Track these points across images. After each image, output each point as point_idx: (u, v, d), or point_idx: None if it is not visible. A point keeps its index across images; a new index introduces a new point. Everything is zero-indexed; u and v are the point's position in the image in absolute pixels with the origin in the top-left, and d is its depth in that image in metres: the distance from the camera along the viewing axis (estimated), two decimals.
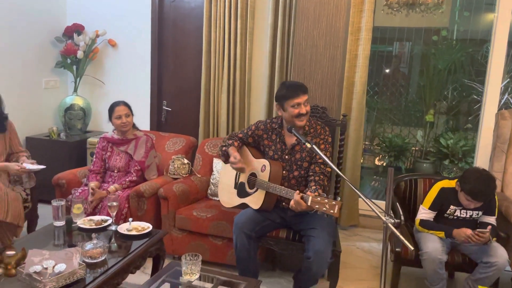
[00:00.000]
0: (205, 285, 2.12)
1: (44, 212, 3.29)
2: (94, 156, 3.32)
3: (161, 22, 4.29)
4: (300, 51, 3.37)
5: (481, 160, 3.58)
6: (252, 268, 2.65)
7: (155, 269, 2.64)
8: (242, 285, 2.14)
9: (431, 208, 2.68)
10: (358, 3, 3.54)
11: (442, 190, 2.67)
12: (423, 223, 2.68)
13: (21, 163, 3.04)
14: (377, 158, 5.90)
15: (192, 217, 3.04)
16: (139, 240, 2.46)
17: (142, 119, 4.26)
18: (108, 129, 3.50)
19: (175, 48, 4.31)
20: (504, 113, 3.19)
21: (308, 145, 2.32)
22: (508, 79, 4.89)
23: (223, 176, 2.97)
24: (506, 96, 4.87)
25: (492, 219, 2.62)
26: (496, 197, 2.65)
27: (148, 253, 2.48)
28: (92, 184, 3.12)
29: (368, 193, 5.29)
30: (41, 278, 1.88)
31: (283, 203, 2.67)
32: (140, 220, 2.71)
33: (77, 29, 4.35)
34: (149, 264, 2.64)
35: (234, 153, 2.68)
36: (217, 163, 3.41)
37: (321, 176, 2.57)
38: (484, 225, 2.56)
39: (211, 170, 3.49)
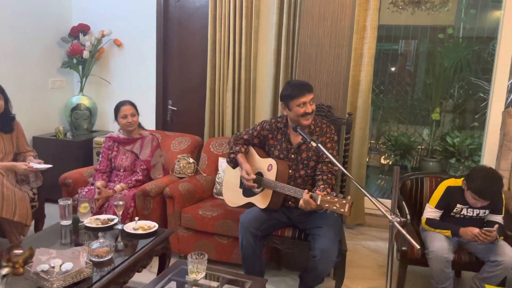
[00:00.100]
0: (211, 284, 2.12)
1: (51, 211, 3.31)
2: (100, 156, 3.34)
3: (166, 21, 4.30)
4: (305, 49, 3.37)
5: (488, 158, 3.56)
6: (257, 267, 2.66)
7: (161, 268, 2.65)
8: (248, 283, 2.14)
9: (438, 206, 2.67)
10: (363, 1, 3.52)
11: (449, 189, 2.66)
12: (430, 222, 2.66)
13: (28, 163, 3.06)
14: (383, 156, 5.87)
15: (198, 216, 3.05)
16: (145, 239, 2.47)
17: (148, 119, 4.28)
18: (114, 128, 3.51)
19: (180, 47, 4.32)
20: (511, 111, 3.17)
21: (314, 144, 2.32)
22: None
23: (228, 175, 2.98)
24: None
25: (499, 218, 2.60)
26: (503, 195, 2.63)
27: (154, 252, 2.49)
28: (98, 183, 3.13)
29: (374, 192, 5.27)
30: (49, 276, 1.89)
31: (290, 202, 2.67)
32: (146, 219, 2.72)
33: (83, 29, 4.37)
34: (155, 263, 2.65)
35: (245, 166, 2.67)
36: (223, 162, 3.41)
37: (329, 175, 2.56)
38: (491, 223, 2.54)
39: (217, 169, 3.49)
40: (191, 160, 3.54)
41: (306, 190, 2.36)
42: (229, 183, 2.96)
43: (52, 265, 1.93)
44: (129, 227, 2.55)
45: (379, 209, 1.87)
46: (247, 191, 2.76)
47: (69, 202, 2.60)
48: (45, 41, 4.28)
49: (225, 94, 3.99)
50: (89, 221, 2.60)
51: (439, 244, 2.52)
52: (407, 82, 5.77)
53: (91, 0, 4.46)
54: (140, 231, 2.52)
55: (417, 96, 5.84)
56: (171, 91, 4.43)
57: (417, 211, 2.99)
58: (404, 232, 1.75)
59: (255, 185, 2.64)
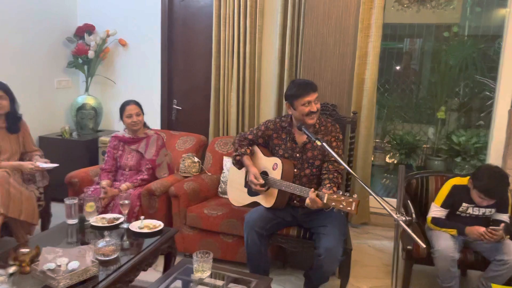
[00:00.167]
0: (216, 283, 2.13)
1: (57, 210, 3.33)
2: (106, 155, 3.35)
3: (170, 21, 4.31)
4: (309, 48, 3.36)
5: (494, 157, 3.54)
6: (262, 266, 2.66)
7: (166, 267, 2.66)
8: (253, 282, 2.14)
9: (443, 205, 2.66)
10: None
11: (454, 188, 2.65)
12: (435, 220, 2.66)
13: (35, 162, 3.08)
14: (388, 155, 5.86)
15: (203, 215, 3.06)
16: (151, 238, 2.48)
17: (153, 118, 4.29)
18: (120, 128, 3.53)
19: (185, 47, 4.33)
20: None
21: (319, 143, 2.32)
22: None
23: (233, 175, 2.98)
24: None
25: (505, 217, 2.59)
26: (509, 194, 2.62)
27: (160, 251, 2.50)
28: (104, 182, 3.15)
29: (378, 191, 5.26)
30: (55, 275, 1.90)
31: (295, 201, 2.67)
32: (151, 218, 2.73)
33: (88, 29, 4.39)
34: (160, 261, 2.66)
35: (253, 170, 2.67)
36: (227, 161, 3.42)
37: (335, 174, 2.56)
38: (497, 222, 2.54)
39: (221, 168, 3.50)
40: (196, 159, 3.54)
41: (312, 189, 2.36)
42: (234, 182, 2.96)
43: (58, 263, 1.94)
44: (135, 226, 2.56)
45: (384, 208, 1.86)
46: (252, 189, 2.76)
47: (75, 201, 2.61)
48: (50, 41, 4.31)
49: (229, 93, 4.00)
50: (95, 220, 2.61)
51: (445, 243, 2.52)
52: (412, 80, 5.74)
53: (96, 0, 4.47)
54: (145, 230, 2.53)
55: (422, 94, 5.82)
56: (176, 91, 4.44)
57: (422, 210, 2.98)
58: (409, 231, 1.75)
59: (263, 189, 2.64)
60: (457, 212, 2.65)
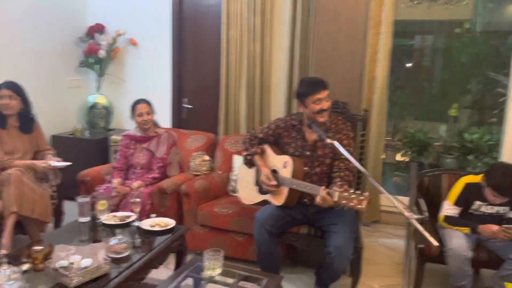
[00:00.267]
0: (227, 281, 2.13)
1: (70, 208, 3.36)
2: (118, 154, 3.38)
3: (180, 20, 4.32)
4: (319, 46, 3.35)
5: (507, 154, 3.49)
6: (273, 264, 2.66)
7: (177, 265, 2.67)
8: (264, 280, 2.15)
9: (456, 203, 2.63)
10: None
11: (467, 186, 2.62)
12: (448, 219, 2.63)
13: (47, 161, 3.11)
14: (399, 153, 5.81)
15: (213, 213, 3.06)
16: (162, 236, 2.49)
17: (163, 117, 4.30)
18: (131, 126, 3.55)
19: (194, 45, 4.34)
20: None
21: (329, 141, 2.31)
22: None
23: (243, 173, 2.98)
24: None
25: None
26: None
27: (171, 249, 2.51)
28: (115, 181, 3.17)
29: (390, 189, 5.22)
30: (68, 272, 1.92)
31: (305, 199, 2.66)
32: (162, 216, 2.74)
33: (99, 29, 4.42)
34: (171, 259, 2.67)
35: (265, 170, 2.67)
36: (238, 160, 3.42)
37: (346, 172, 2.55)
38: (511, 220, 2.50)
39: (232, 167, 3.50)
40: (207, 157, 3.55)
41: (323, 187, 2.35)
42: (244, 181, 2.96)
43: (71, 261, 1.96)
44: (146, 224, 2.58)
45: (396, 206, 1.85)
46: (262, 188, 2.76)
47: (87, 199, 2.63)
48: (62, 41, 4.35)
49: (239, 92, 4.00)
50: (107, 218, 2.62)
51: (458, 241, 2.49)
52: (424, 77, 5.69)
53: (106, 0, 4.50)
54: (156, 228, 2.55)
55: (434, 91, 5.76)
56: (186, 89, 4.45)
57: (434, 208, 2.94)
58: (421, 229, 1.73)
59: (275, 189, 2.64)
60: (470, 210, 2.62)
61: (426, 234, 1.73)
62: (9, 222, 2.75)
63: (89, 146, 4.21)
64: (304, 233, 2.72)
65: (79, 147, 4.19)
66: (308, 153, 2.65)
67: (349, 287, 2.74)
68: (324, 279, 2.64)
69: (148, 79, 4.49)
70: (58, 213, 3.33)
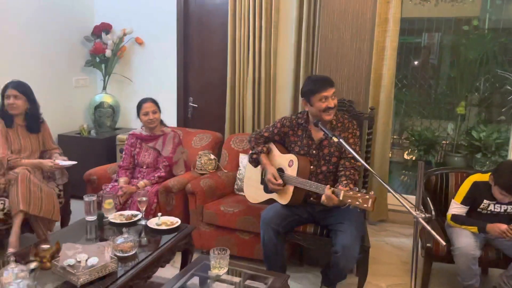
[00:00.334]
0: (233, 279, 2.13)
1: (76, 207, 3.38)
2: (124, 153, 3.39)
3: (186, 19, 4.32)
4: (325, 44, 3.33)
5: None
6: (279, 263, 2.65)
7: (184, 263, 2.68)
8: (270, 279, 2.14)
9: (464, 202, 2.61)
10: None
11: (475, 184, 2.60)
12: (455, 218, 2.61)
13: (54, 160, 3.13)
14: (406, 152, 5.78)
15: (219, 212, 3.07)
16: (168, 235, 2.50)
17: (169, 116, 4.31)
18: (137, 126, 3.56)
19: (200, 45, 4.34)
20: None
21: (335, 139, 2.30)
22: None
23: (249, 172, 2.98)
24: None
25: None
26: None
27: (177, 247, 2.51)
28: (122, 180, 3.18)
29: (397, 187, 5.20)
30: (75, 271, 1.93)
31: (311, 198, 2.65)
32: (169, 215, 2.75)
33: (105, 28, 4.43)
34: (178, 258, 2.68)
35: (271, 169, 2.66)
36: (243, 159, 3.42)
37: (352, 171, 2.53)
38: None
39: (237, 166, 3.50)
40: (212, 156, 3.55)
41: (328, 186, 2.34)
42: (250, 180, 2.96)
43: (78, 259, 1.97)
44: (152, 222, 2.58)
45: (403, 205, 1.83)
46: (268, 187, 2.75)
47: (94, 198, 2.65)
48: (69, 40, 4.37)
49: (245, 91, 3.99)
50: (114, 217, 2.64)
51: (466, 240, 2.47)
52: (431, 75, 5.64)
53: None
54: (163, 227, 2.55)
55: (441, 90, 5.71)
56: (192, 88, 4.45)
57: (442, 207, 2.93)
58: (429, 228, 1.72)
59: (281, 188, 2.63)
60: (478, 209, 2.60)
61: (434, 233, 1.72)
62: (17, 221, 2.77)
63: (96, 145, 4.22)
64: (310, 232, 2.71)
65: (86, 146, 4.21)
66: (314, 151, 2.64)
67: (356, 287, 2.73)
68: (330, 278, 2.63)
69: (154, 78, 4.50)
70: (65, 212, 3.35)
